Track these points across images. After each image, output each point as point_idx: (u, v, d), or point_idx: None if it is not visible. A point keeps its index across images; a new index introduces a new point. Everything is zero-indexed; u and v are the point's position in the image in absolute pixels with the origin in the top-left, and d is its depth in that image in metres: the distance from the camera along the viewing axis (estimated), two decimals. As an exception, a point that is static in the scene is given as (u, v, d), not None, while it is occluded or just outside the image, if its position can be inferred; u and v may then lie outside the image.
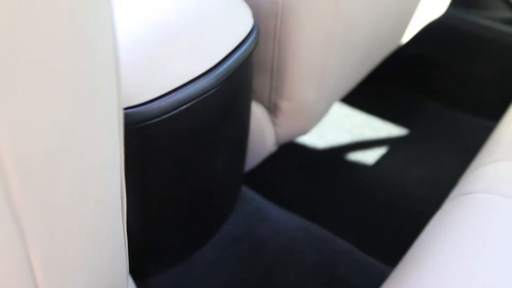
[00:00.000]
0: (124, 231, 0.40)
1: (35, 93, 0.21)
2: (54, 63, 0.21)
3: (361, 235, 0.92)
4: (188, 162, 0.57)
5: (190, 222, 0.67)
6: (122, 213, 0.38)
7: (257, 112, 0.76)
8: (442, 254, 0.50)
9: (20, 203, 0.22)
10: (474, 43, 1.24)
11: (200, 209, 0.66)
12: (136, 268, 0.61)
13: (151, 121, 0.46)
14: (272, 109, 0.76)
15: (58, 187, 0.24)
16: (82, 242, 0.31)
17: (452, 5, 1.20)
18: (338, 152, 1.14)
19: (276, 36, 0.65)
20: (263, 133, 0.78)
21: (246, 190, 0.82)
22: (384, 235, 0.95)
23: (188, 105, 0.48)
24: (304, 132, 0.83)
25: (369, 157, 1.13)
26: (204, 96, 0.49)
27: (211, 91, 0.49)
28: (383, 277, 0.56)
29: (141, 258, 0.66)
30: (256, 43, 0.54)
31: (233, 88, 0.54)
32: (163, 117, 0.46)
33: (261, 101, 0.75)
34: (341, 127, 1.21)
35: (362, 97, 1.28)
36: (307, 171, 1.08)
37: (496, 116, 1.02)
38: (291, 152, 1.12)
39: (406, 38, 1.01)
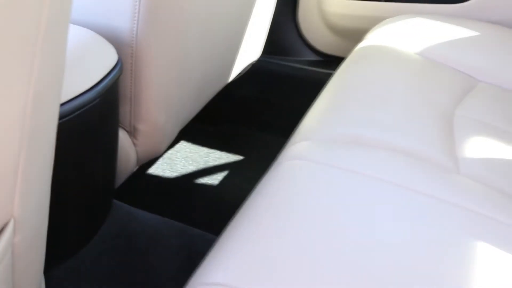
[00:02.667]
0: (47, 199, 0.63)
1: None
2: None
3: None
4: (75, 164, 0.80)
5: (76, 222, 0.89)
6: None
7: (121, 136, 1.00)
8: (255, 214, 0.73)
9: (29, 121, 0.46)
10: (289, 82, 1.60)
11: (83, 209, 0.89)
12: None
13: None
14: (133, 132, 1.01)
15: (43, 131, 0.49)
16: (38, 168, 0.54)
17: (267, 52, 1.55)
18: (187, 179, 1.41)
19: (132, 71, 0.91)
20: (127, 153, 1.02)
21: (116, 202, 1.06)
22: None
23: (78, 112, 0.72)
24: (158, 151, 1.09)
25: (214, 180, 1.41)
26: (88, 106, 0.73)
27: (93, 103, 0.74)
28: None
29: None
30: (121, 71, 0.80)
31: (107, 104, 0.79)
32: (61, 120, 0.70)
33: (123, 126, 1.00)
34: (188, 159, 1.48)
35: (204, 135, 1.58)
36: (162, 196, 1.33)
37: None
38: (147, 182, 1.36)
39: (231, 77, 1.32)
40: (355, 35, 1.37)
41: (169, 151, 1.50)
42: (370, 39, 1.25)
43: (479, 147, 0.91)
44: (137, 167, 1.09)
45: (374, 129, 0.91)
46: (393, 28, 1.27)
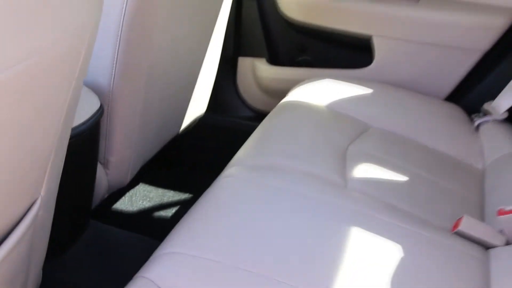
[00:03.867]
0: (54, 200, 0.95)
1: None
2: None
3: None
4: (67, 180, 1.12)
5: (62, 228, 1.20)
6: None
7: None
8: (199, 210, 1.08)
9: (60, 131, 0.78)
10: (229, 134, 1.95)
11: (67, 219, 1.20)
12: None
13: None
14: (105, 164, 1.34)
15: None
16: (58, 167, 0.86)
17: (211, 109, 1.90)
18: (146, 213, 1.72)
19: (108, 114, 1.25)
20: (101, 180, 1.34)
21: (92, 220, 1.37)
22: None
23: (74, 139, 1.04)
24: (125, 181, 1.41)
25: (168, 213, 1.73)
26: (81, 136, 1.06)
27: (84, 134, 1.07)
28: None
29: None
30: (102, 113, 1.14)
31: (92, 137, 1.12)
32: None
33: (99, 159, 1.32)
34: (146, 198, 1.80)
35: (159, 179, 1.90)
36: (123, 228, 1.64)
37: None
38: (111, 216, 1.67)
39: (181, 128, 1.67)
40: (281, 94, 1.74)
41: (129, 192, 1.82)
42: (290, 96, 1.62)
43: (363, 170, 1.27)
44: (107, 194, 1.41)
45: (286, 158, 1.26)
46: (309, 88, 1.65)
